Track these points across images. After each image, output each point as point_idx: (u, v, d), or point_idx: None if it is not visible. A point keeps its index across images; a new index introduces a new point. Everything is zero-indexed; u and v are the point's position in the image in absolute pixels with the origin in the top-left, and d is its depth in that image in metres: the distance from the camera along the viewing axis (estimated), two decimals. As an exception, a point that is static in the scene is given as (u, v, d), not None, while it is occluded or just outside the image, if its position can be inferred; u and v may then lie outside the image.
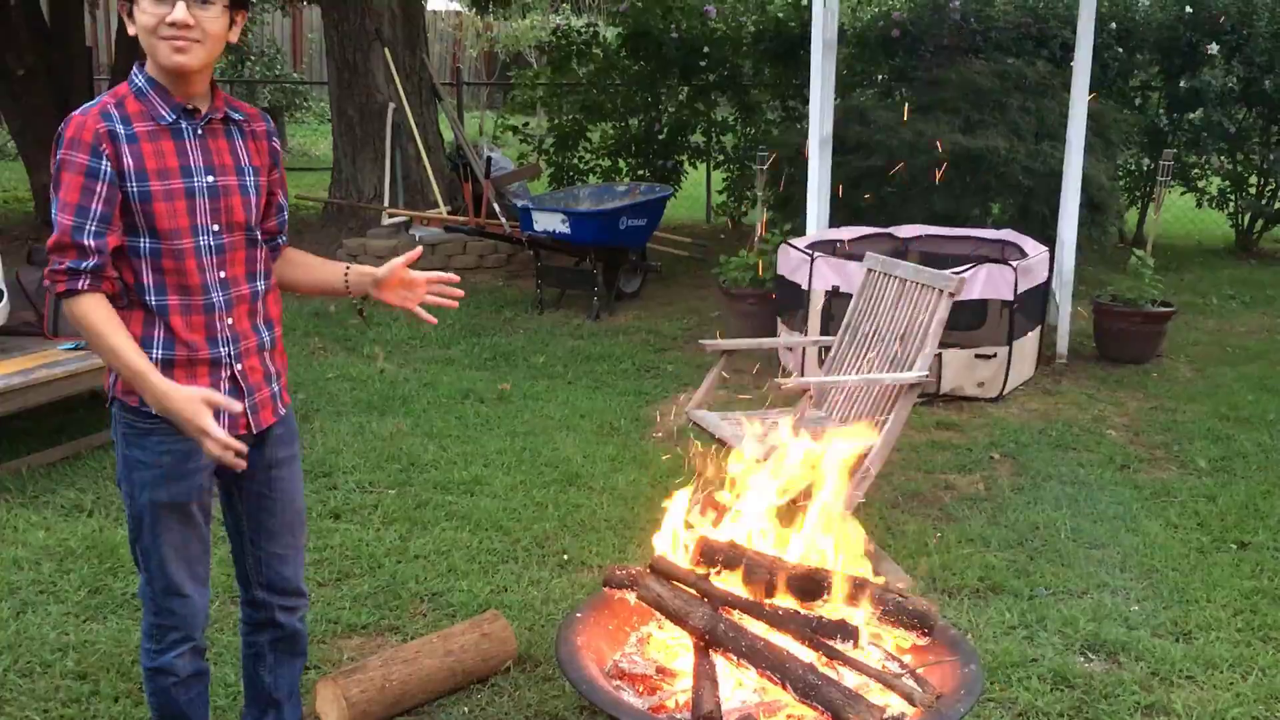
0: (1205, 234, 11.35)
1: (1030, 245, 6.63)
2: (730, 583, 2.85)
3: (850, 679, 2.67)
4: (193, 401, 2.24)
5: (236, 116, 2.45)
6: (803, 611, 2.77)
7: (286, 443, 2.61)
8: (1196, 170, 10.65)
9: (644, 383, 6.42)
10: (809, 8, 7.33)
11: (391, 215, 9.43)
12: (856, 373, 4.51)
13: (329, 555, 4.10)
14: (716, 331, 7.19)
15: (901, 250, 6.85)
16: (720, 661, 2.70)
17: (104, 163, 2.25)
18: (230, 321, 2.42)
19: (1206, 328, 7.79)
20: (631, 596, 2.90)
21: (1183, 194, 10.91)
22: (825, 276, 6.11)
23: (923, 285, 4.35)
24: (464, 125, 11.55)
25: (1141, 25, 10.01)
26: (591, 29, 11.93)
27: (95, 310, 2.26)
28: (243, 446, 2.29)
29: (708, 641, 2.69)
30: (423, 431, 5.45)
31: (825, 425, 4.43)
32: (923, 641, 2.89)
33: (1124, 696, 3.28)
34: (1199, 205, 10.91)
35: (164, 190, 2.31)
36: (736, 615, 2.76)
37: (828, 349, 4.92)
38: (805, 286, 6.21)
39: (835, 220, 7.22)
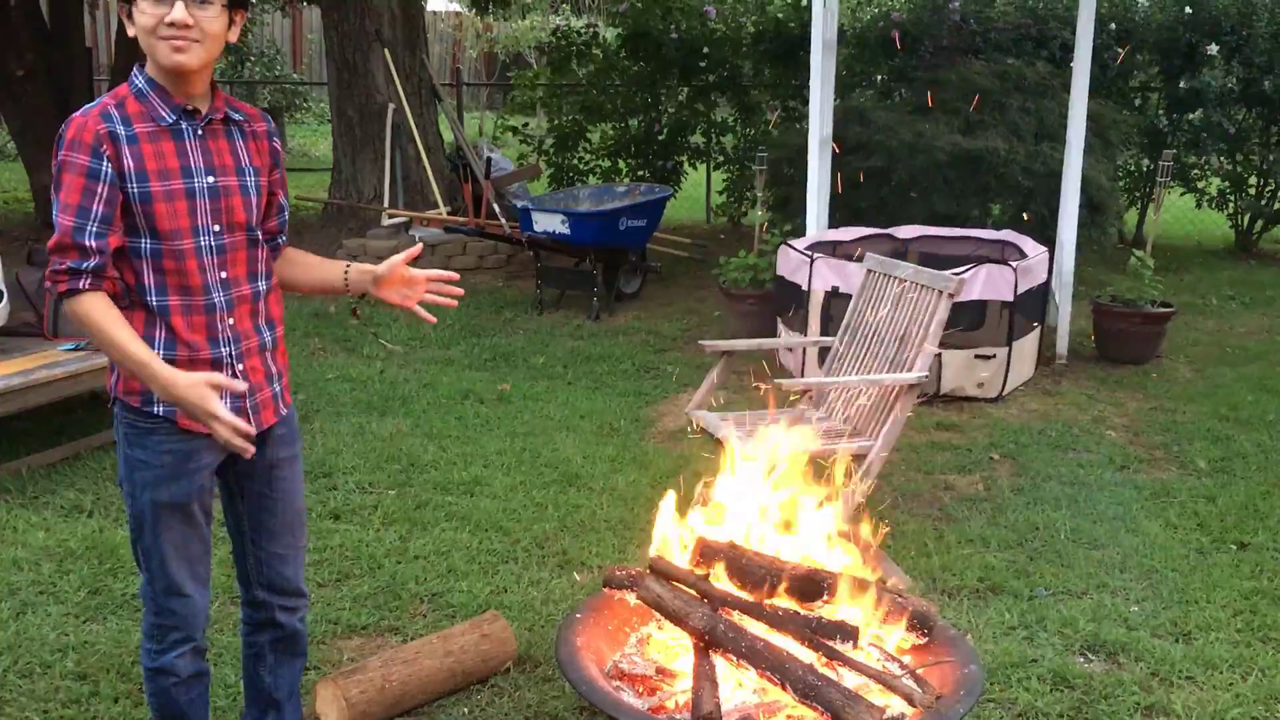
0: (1205, 235, 11.35)
1: (1030, 246, 6.63)
2: (729, 583, 2.85)
3: (850, 680, 2.67)
4: (197, 387, 2.24)
5: (237, 117, 2.46)
6: (802, 612, 2.77)
7: (288, 442, 2.62)
8: (1196, 171, 10.65)
9: (644, 383, 6.42)
10: (809, 8, 7.34)
11: (391, 216, 9.43)
12: (856, 373, 4.51)
13: (329, 556, 4.10)
14: (717, 331, 7.20)
15: (901, 251, 6.86)
16: (720, 662, 2.70)
17: (105, 164, 2.25)
18: (231, 322, 2.42)
19: (1206, 328, 7.79)
20: (631, 597, 2.90)
21: (1182, 195, 10.91)
22: (825, 277, 6.11)
23: (922, 286, 4.35)
24: (464, 126, 11.55)
25: (1141, 26, 10.01)
26: (591, 30, 11.93)
27: (96, 308, 2.26)
28: (251, 429, 2.30)
29: (707, 642, 2.69)
30: (423, 432, 5.45)
31: (825, 425, 4.44)
32: (922, 642, 2.89)
33: (1124, 697, 3.28)
34: (1199, 206, 10.91)
35: (164, 191, 2.31)
36: (736, 616, 2.76)
37: (828, 349, 4.92)
38: (805, 287, 6.21)
39: (835, 221, 7.23)
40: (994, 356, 6.07)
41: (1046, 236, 7.06)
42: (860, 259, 5.45)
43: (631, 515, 4.45)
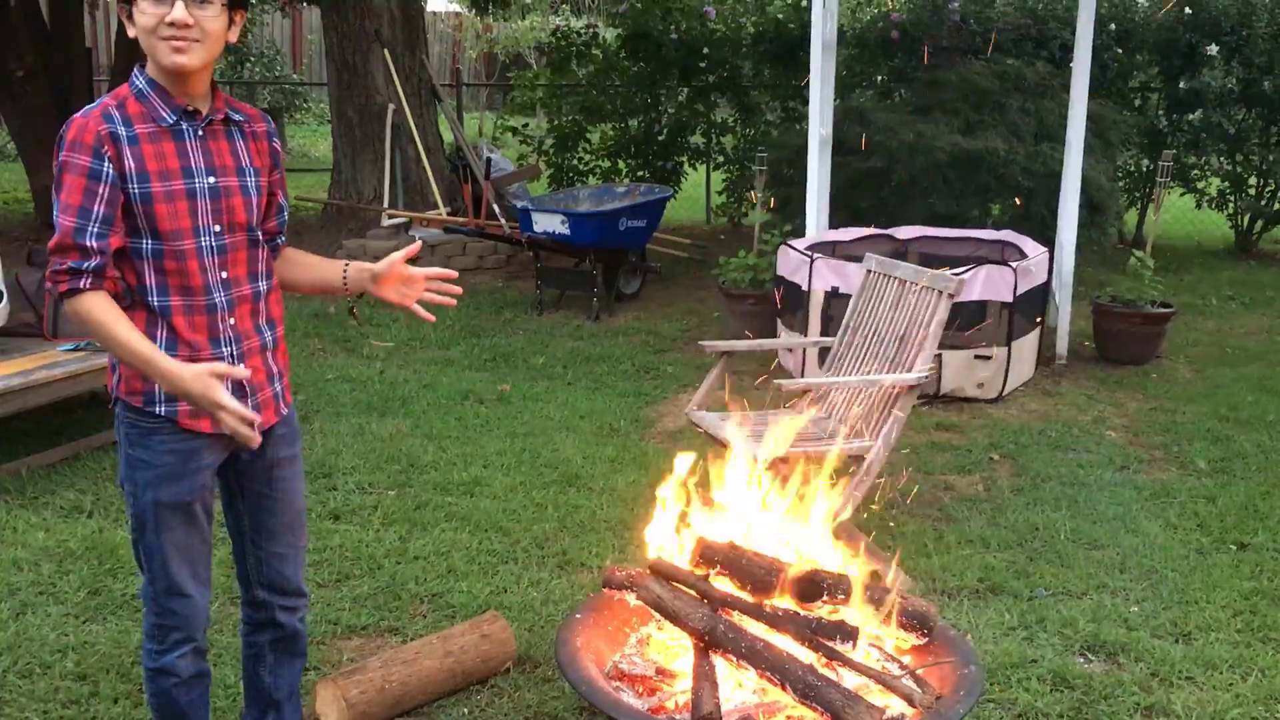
0: (1205, 235, 11.35)
1: (1030, 246, 6.63)
2: (729, 584, 2.85)
3: (850, 680, 2.67)
4: (201, 378, 2.25)
5: (237, 117, 2.46)
6: (802, 613, 2.77)
7: (289, 442, 2.62)
8: (1196, 171, 10.65)
9: (644, 384, 6.42)
10: (808, 9, 7.34)
11: (391, 216, 9.43)
12: (856, 373, 4.51)
13: (329, 556, 4.10)
14: (717, 331, 7.20)
15: (901, 251, 6.86)
16: (720, 662, 2.70)
17: (106, 164, 2.26)
18: (233, 322, 2.43)
19: (1206, 329, 7.79)
20: (631, 597, 2.90)
21: (1182, 195, 10.92)
22: (825, 277, 6.11)
23: (922, 286, 4.35)
24: (463, 126, 11.55)
25: (1141, 26, 10.01)
26: (591, 30, 11.93)
27: (98, 306, 2.26)
28: (257, 416, 2.31)
29: (707, 642, 2.70)
30: (422, 433, 5.45)
31: (825, 426, 4.44)
32: (922, 642, 2.90)
33: (1123, 697, 3.28)
34: (1198, 206, 10.91)
35: (165, 191, 2.31)
36: (736, 616, 2.76)
37: (827, 349, 4.92)
38: (805, 287, 6.21)
39: (835, 221, 7.23)
40: (993, 357, 6.07)
41: (1046, 237, 7.06)
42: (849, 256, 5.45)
43: (631, 516, 4.45)
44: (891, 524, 4.44)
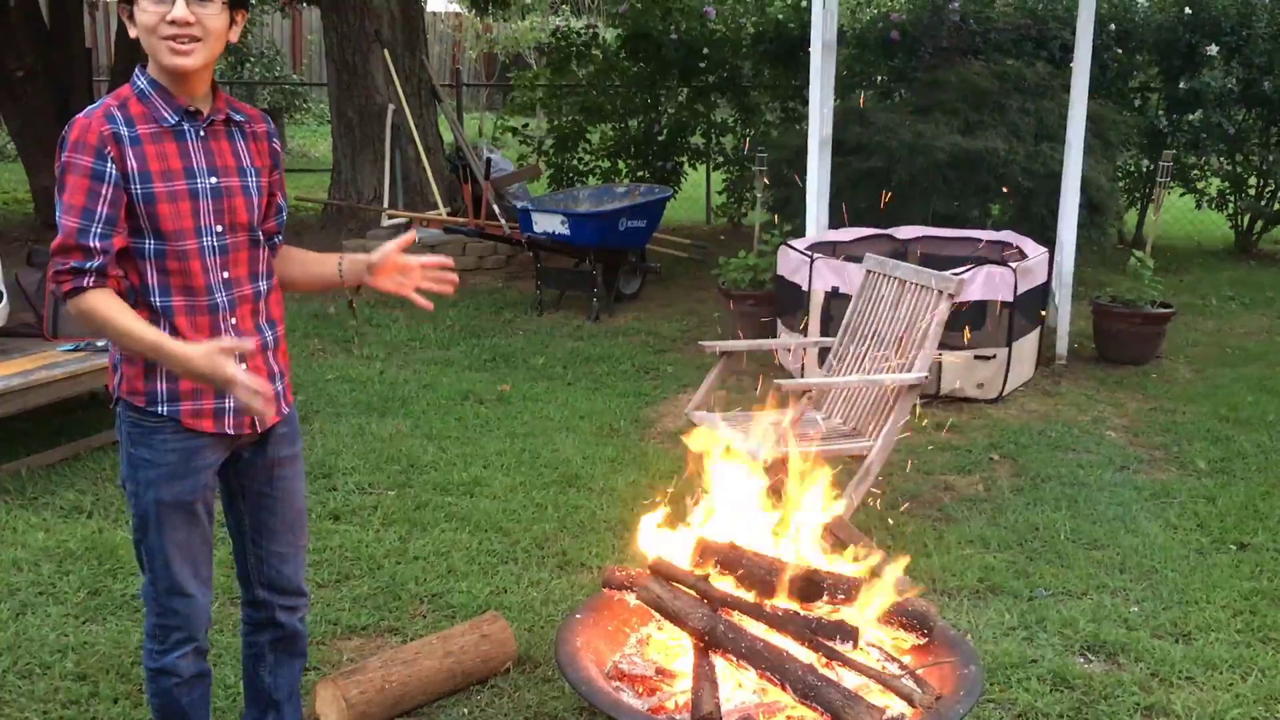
0: (1205, 235, 11.35)
1: (1030, 246, 6.63)
2: (729, 584, 2.85)
3: (850, 680, 2.67)
4: (210, 355, 2.24)
5: (238, 118, 2.46)
6: (802, 613, 2.77)
7: (289, 441, 2.62)
8: (1196, 171, 10.65)
9: (643, 384, 6.42)
10: (808, 9, 7.34)
11: (391, 217, 9.43)
12: (856, 374, 4.51)
13: (329, 556, 4.10)
14: (716, 331, 7.20)
15: (901, 251, 6.86)
16: (720, 662, 2.70)
17: (109, 165, 2.26)
18: (234, 322, 2.43)
19: (1206, 329, 7.79)
20: (631, 598, 2.90)
21: (1182, 195, 10.91)
22: (825, 277, 6.11)
23: (922, 286, 4.35)
24: (463, 127, 11.56)
25: (1141, 26, 10.01)
26: (591, 30, 11.94)
27: (101, 301, 2.27)
28: (270, 387, 2.30)
29: (707, 642, 2.69)
30: (422, 433, 5.45)
31: (825, 426, 4.44)
32: (922, 642, 2.89)
33: (1123, 697, 3.28)
34: (1198, 206, 10.91)
35: (168, 192, 2.31)
36: (736, 616, 2.76)
37: (827, 349, 4.92)
38: (805, 287, 6.22)
39: (835, 221, 7.23)
40: (993, 357, 6.07)
41: (1046, 237, 7.06)
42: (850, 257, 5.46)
43: (631, 516, 4.44)
44: (891, 524, 4.44)
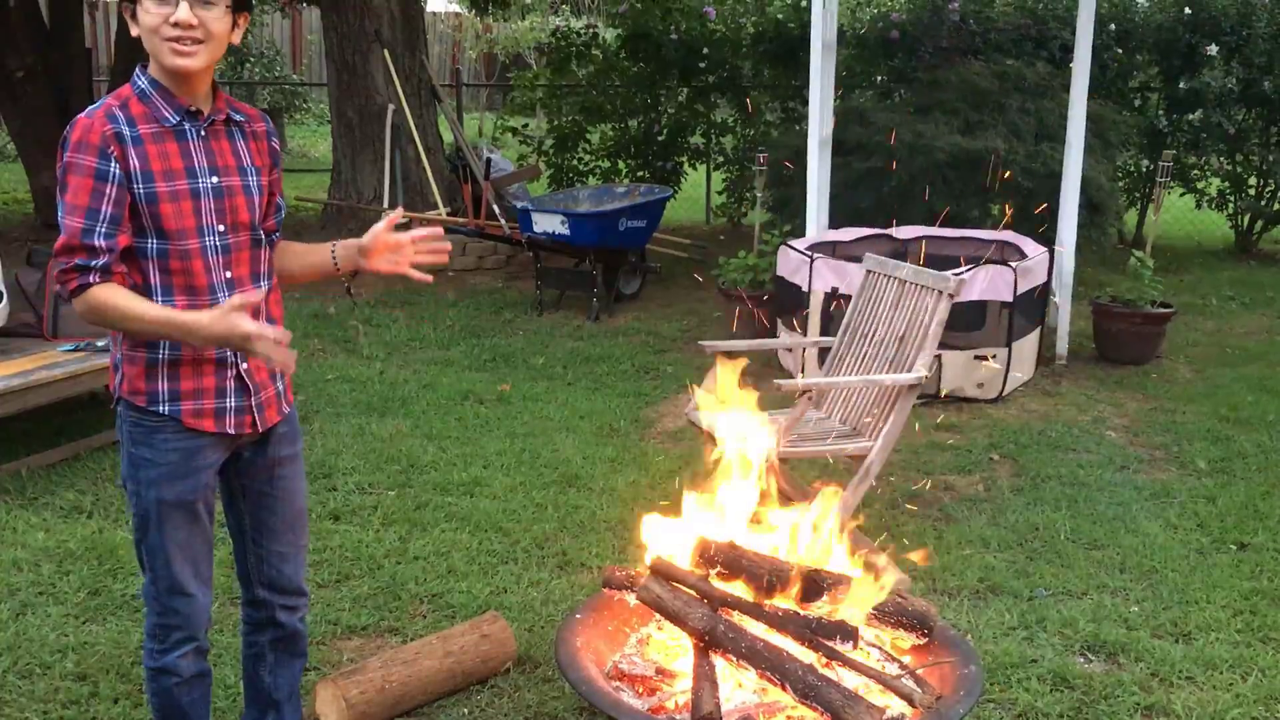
0: (1205, 235, 11.35)
1: (1030, 246, 6.63)
2: (729, 584, 2.85)
3: (850, 680, 2.67)
4: (225, 317, 2.22)
5: (238, 117, 2.46)
6: (802, 612, 2.77)
7: (290, 441, 2.63)
8: (1196, 171, 10.65)
9: (643, 384, 6.42)
10: (808, 9, 7.34)
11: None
12: (856, 374, 4.51)
13: (329, 556, 4.10)
14: (716, 331, 7.20)
15: (901, 251, 6.86)
16: (720, 662, 2.70)
17: (112, 165, 2.26)
18: (235, 321, 2.43)
19: (1206, 329, 7.79)
20: (631, 597, 2.90)
21: (1182, 195, 10.91)
22: (825, 277, 6.11)
23: (922, 286, 4.35)
24: (463, 127, 11.55)
25: (1141, 26, 10.01)
26: (591, 30, 11.94)
27: (106, 292, 2.26)
28: (286, 334, 2.28)
29: (707, 642, 2.69)
30: (422, 433, 5.45)
31: (825, 426, 4.44)
32: (922, 642, 2.89)
33: (1124, 697, 3.28)
34: (1198, 206, 10.91)
35: (170, 191, 2.32)
36: (736, 616, 2.76)
37: (827, 349, 4.92)
38: (805, 288, 6.21)
39: (835, 221, 7.23)
40: (994, 357, 6.07)
41: (1046, 237, 7.06)
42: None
43: (631, 516, 4.44)
44: (891, 524, 4.44)
